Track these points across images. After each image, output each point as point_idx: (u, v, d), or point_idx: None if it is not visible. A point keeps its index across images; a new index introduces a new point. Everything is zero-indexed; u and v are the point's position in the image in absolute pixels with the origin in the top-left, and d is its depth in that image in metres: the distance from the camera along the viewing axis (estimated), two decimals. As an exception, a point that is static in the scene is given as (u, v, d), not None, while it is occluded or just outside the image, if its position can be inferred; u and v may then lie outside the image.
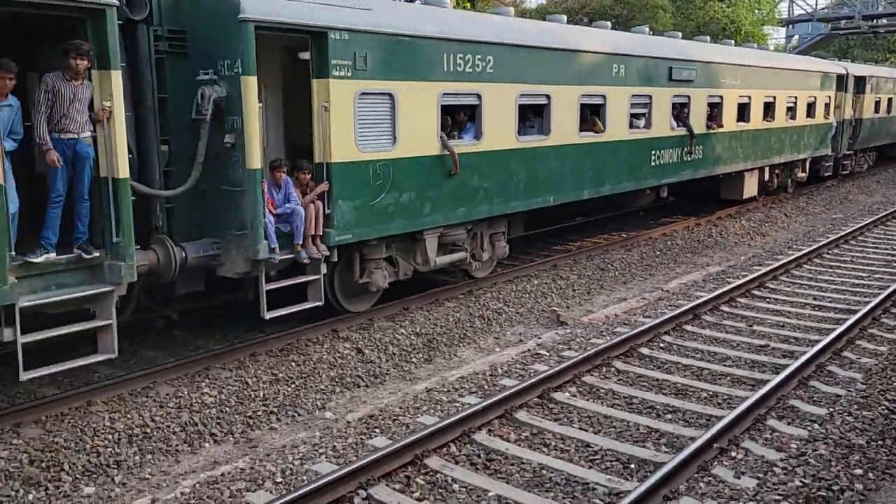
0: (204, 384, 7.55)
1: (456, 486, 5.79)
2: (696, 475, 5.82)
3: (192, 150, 7.55)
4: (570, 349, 8.97)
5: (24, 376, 6.15)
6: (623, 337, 8.86)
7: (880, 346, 8.86)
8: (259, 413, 7.41)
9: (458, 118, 10.07)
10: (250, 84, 7.37)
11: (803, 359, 7.94)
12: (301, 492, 5.34)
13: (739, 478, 5.76)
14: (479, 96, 9.95)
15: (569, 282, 12.28)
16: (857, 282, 12.04)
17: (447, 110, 9.66)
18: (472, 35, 9.78)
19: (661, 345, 9.07)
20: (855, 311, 9.84)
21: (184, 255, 7.48)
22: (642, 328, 9.22)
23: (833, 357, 8.43)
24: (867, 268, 13.05)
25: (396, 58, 8.79)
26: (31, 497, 5.86)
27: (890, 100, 27.16)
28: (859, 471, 5.93)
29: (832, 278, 12.35)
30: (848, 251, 14.55)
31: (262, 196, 7.62)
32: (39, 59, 6.38)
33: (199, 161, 7.46)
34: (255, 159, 7.51)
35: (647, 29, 15.41)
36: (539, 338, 9.80)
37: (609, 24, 14.60)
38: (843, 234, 15.78)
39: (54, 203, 6.25)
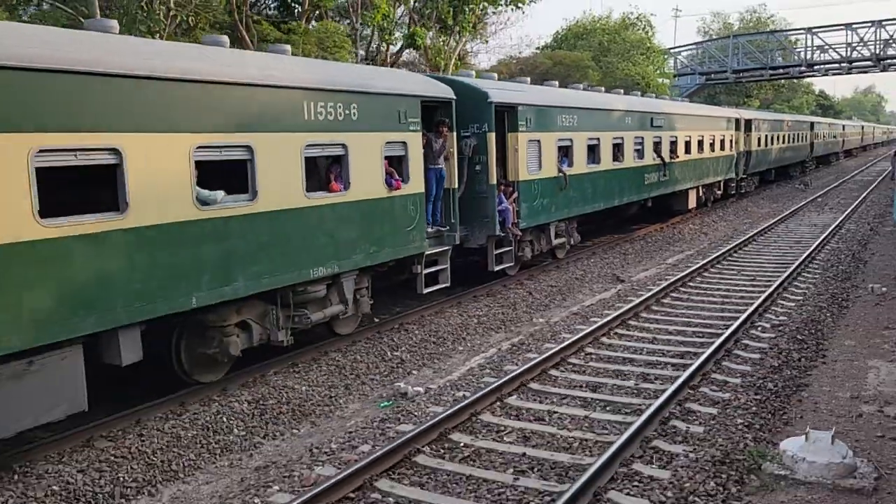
0: (468, 308, 13.22)
1: (641, 331, 11.84)
2: (738, 339, 12.15)
3: (457, 174, 13.25)
4: (647, 286, 15.19)
5: (425, 290, 11.72)
6: (672, 280, 15.14)
7: (813, 278, 15.69)
8: (505, 321, 13.09)
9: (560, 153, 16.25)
10: (492, 137, 13.27)
11: (778, 282, 14.54)
12: (579, 335, 11.19)
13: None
14: (571, 140, 16.21)
15: (608, 260, 18.58)
16: (786, 251, 19.06)
17: (561, 150, 15.84)
18: (570, 103, 16.08)
19: (693, 284, 15.47)
20: (793, 263, 16.65)
21: (456, 236, 13.16)
22: (680, 276, 15.58)
23: (792, 281, 15.12)
24: (786, 245, 20.18)
25: (540, 119, 14.91)
26: (426, 352, 11.34)
27: (767, 136, 35.81)
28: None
29: (770, 250, 19.34)
30: (769, 238, 21.73)
31: (495, 199, 13.46)
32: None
33: (464, 181, 13.21)
34: (493, 178, 13.38)
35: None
36: (616, 287, 15.93)
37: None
38: (760, 229, 23.02)
39: (429, 202, 11.87)
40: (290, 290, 9.27)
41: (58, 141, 6.49)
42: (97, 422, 7.63)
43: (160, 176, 7.36)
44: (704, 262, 17.28)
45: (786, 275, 15.06)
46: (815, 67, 49.95)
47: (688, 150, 24.15)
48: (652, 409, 7.73)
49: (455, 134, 12.28)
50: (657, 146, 21.43)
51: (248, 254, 8.39)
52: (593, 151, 17.61)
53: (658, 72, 45.85)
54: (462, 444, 7.41)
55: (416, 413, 8.44)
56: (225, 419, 8.22)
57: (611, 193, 18.42)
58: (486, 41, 34.07)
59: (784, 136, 40.48)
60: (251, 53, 8.88)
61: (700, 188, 26.30)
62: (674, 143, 22.84)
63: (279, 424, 8.38)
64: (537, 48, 42.71)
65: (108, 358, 7.25)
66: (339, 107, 9.62)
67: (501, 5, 29.78)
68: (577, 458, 6.99)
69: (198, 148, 7.74)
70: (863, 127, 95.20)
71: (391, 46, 24.59)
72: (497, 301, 13.97)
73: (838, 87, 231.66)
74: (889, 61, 46.47)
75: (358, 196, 10.02)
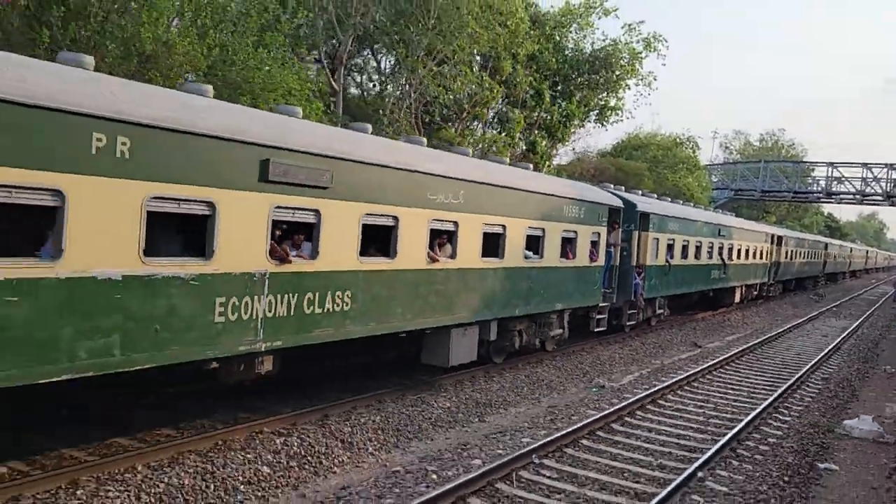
0: (608, 349, 19.26)
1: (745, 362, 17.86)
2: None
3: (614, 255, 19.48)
4: (721, 351, 21.19)
5: (595, 330, 17.80)
6: (740, 349, 21.16)
7: (842, 360, 21.72)
8: (635, 359, 19.04)
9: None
10: (636, 234, 19.60)
11: (818, 357, 20.57)
12: (698, 369, 17.19)
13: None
14: (674, 240, 22.56)
15: (683, 332, 24.65)
16: (818, 341, 25.14)
17: (668, 247, 22.18)
18: (676, 214, 22.53)
19: (755, 353, 21.49)
20: (825, 348, 22.69)
21: (614, 297, 19.27)
22: (744, 346, 21.62)
23: (827, 359, 21.14)
24: (816, 337, 26.26)
25: (660, 223, 21.28)
26: (597, 369, 17.31)
27: (792, 251, 42.37)
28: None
29: (805, 340, 25.42)
30: (802, 332, 27.84)
31: (633, 275, 19.69)
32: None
33: (616, 259, 19.47)
34: (634, 261, 19.65)
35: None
36: (696, 350, 21.92)
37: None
38: (792, 325, 29.15)
39: (603, 273, 18.07)
40: (543, 315, 15.39)
41: (437, 215, 12.74)
42: (452, 373, 13.61)
43: (518, 241, 13.60)
44: (758, 340, 23.35)
45: (822, 354, 21.12)
46: (833, 195, 56.96)
47: (739, 256, 30.55)
48: (768, 401, 13.73)
49: (620, 230, 18.65)
50: (720, 250, 27.81)
51: (536, 289, 14.56)
52: (685, 249, 23.94)
53: (698, 185, 52.78)
54: (665, 405, 13.41)
55: (621, 394, 14.43)
56: (517, 384, 14.21)
57: (692, 282, 24.69)
58: (574, 149, 40.97)
59: (805, 252, 47.13)
60: (545, 176, 15.29)
61: (743, 287, 32.59)
62: (731, 249, 29.24)
63: (543, 391, 14.35)
64: (599, 153, 49.79)
65: (482, 336, 13.31)
66: (577, 208, 15.97)
67: (590, 122, 36.83)
68: (738, 416, 12.96)
69: (528, 227, 14.03)
70: (867, 251, 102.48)
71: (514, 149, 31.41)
72: (623, 347, 20.01)
73: (844, 210, 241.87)
74: (897, 199, 53.49)
75: (579, 263, 16.26)
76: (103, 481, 7.46)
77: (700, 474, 9.32)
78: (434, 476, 8.73)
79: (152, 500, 7.31)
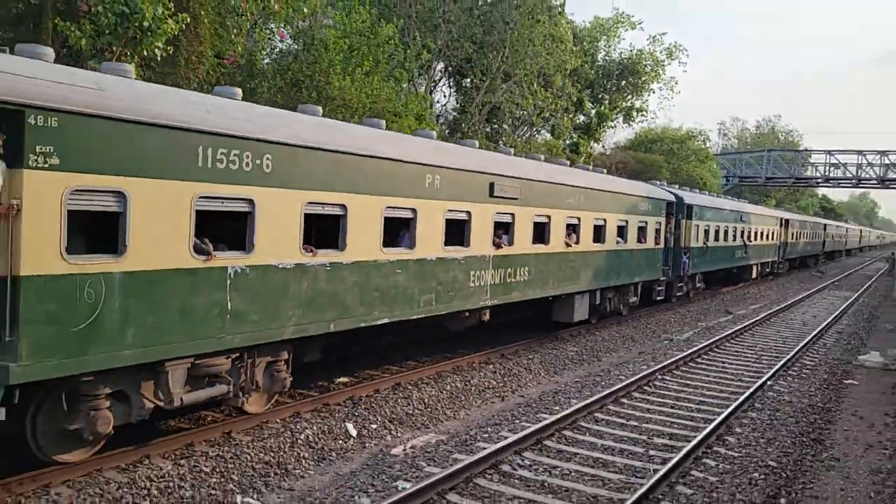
0: (664, 315, 23.98)
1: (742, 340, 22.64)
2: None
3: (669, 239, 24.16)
4: (748, 317, 25.92)
5: (657, 299, 22.52)
6: (765, 314, 25.90)
7: (849, 321, 26.52)
8: (686, 322, 23.75)
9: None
10: (683, 222, 24.30)
11: (830, 318, 25.34)
12: (739, 327, 21.95)
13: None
14: (709, 226, 27.27)
15: (714, 303, 29.38)
16: (826, 308, 29.92)
17: (705, 232, 26.89)
18: (711, 205, 27.24)
19: (779, 317, 26.25)
20: (835, 312, 27.46)
21: (670, 273, 23.97)
22: (768, 312, 26.37)
23: (837, 321, 25.92)
24: (825, 305, 31.04)
25: (700, 213, 25.95)
26: (663, 328, 22.03)
27: (797, 232, 47.17)
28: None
29: (816, 307, 30.20)
30: (811, 302, 32.64)
31: (682, 256, 24.40)
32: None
33: (671, 242, 24.16)
34: (683, 243, 24.35)
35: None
36: (729, 316, 26.62)
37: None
38: (802, 296, 33.91)
39: (663, 254, 22.76)
40: (626, 286, 20.10)
41: (570, 213, 17.40)
42: (568, 329, 18.27)
43: (612, 229, 18.28)
44: (778, 308, 28.11)
45: (833, 316, 25.92)
46: (831, 180, 61.76)
47: (757, 238, 35.32)
48: (801, 344, 18.49)
49: (675, 219, 23.35)
50: (742, 233, 32.56)
51: (623, 266, 19.24)
52: (717, 234, 28.65)
53: (710, 173, 57.49)
54: (726, 349, 18.15)
55: (689, 343, 19.12)
56: (611, 337, 18.90)
57: (722, 260, 29.46)
58: (603, 145, 45.66)
59: (807, 234, 51.98)
60: (627, 181, 19.95)
61: (759, 265, 37.40)
62: (750, 232, 34.01)
63: (630, 343, 19.03)
64: (617, 147, 54.42)
65: (591, 301, 17.98)
66: (646, 203, 20.65)
67: (618, 120, 41.52)
68: (780, 355, 17.67)
69: (619, 219, 18.70)
70: (861, 231, 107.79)
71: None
72: (674, 313, 24.74)
73: (838, 190, 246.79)
74: (890, 182, 58.28)
75: (648, 246, 20.94)
76: (416, 383, 12.17)
77: (769, 382, 14.06)
78: (603, 382, 13.47)
79: (445, 392, 12.00)
